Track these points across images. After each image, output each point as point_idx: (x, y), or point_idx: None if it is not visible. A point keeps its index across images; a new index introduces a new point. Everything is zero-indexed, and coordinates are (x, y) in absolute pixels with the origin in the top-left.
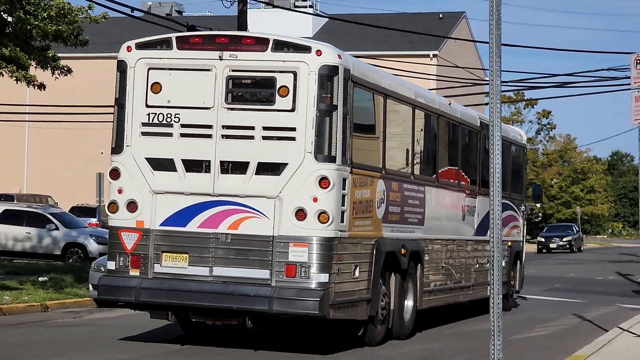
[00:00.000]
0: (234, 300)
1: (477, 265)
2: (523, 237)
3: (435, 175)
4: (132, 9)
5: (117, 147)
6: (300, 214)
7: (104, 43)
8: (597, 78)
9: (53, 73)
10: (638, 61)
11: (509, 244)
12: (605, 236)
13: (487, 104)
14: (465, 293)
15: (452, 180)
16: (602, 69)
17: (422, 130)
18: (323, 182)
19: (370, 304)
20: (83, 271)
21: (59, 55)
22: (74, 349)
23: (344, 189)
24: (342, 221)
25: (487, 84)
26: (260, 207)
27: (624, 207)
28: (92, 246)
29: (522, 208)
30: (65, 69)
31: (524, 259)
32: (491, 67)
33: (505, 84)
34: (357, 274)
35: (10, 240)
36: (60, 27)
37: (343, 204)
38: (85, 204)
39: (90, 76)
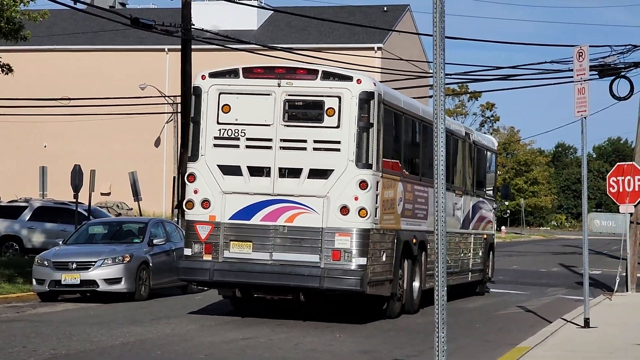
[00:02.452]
0: (291, 279)
1: (462, 254)
2: (494, 231)
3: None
4: (75, 0)
5: (193, 156)
6: (344, 210)
7: (46, 36)
8: (540, 70)
9: None
10: (580, 54)
11: (485, 236)
12: (549, 228)
13: (431, 96)
14: (455, 277)
15: (447, 183)
16: (546, 62)
17: (425, 140)
18: (362, 184)
19: (392, 284)
20: (24, 265)
21: None
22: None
23: (377, 190)
24: (375, 215)
25: (432, 76)
26: (311, 204)
27: (567, 199)
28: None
29: (494, 206)
30: (7, 67)
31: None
32: (435, 59)
33: (449, 76)
34: (384, 258)
35: None
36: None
37: (376, 202)
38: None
39: (32, 69)
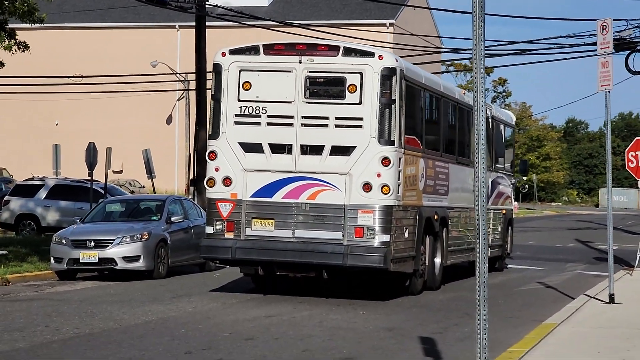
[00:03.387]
0: (314, 256)
1: None
2: (513, 206)
3: (455, 154)
4: None
5: (214, 134)
6: (367, 187)
7: (57, 13)
8: (556, 45)
9: (10, 48)
10: (604, 27)
11: (504, 212)
12: (561, 203)
13: (443, 72)
14: (475, 253)
15: (466, 158)
16: (561, 36)
17: (446, 115)
18: (385, 161)
19: (414, 260)
20: (40, 244)
21: (12, 26)
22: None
23: (399, 166)
24: (398, 192)
25: (444, 52)
26: (333, 181)
27: (579, 175)
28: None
29: (513, 180)
30: (23, 44)
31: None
32: (474, 31)
33: (463, 51)
34: (406, 235)
35: None
36: (15, 5)
37: (399, 179)
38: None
39: (43, 48)
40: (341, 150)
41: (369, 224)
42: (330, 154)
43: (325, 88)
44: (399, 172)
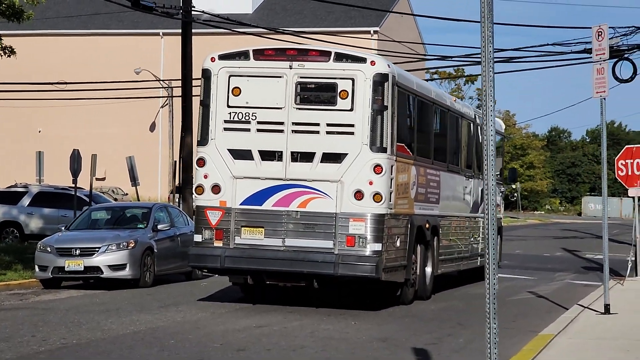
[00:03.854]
0: (305, 265)
1: (472, 239)
2: (502, 215)
3: (446, 162)
4: None
5: (203, 140)
6: (359, 194)
7: (40, 19)
8: (543, 53)
9: None
10: (600, 33)
11: None
12: (543, 212)
13: (428, 80)
14: (465, 262)
15: (456, 166)
16: (548, 44)
17: (437, 122)
18: (377, 168)
19: (406, 270)
20: (23, 251)
21: None
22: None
23: (391, 174)
24: (390, 200)
25: (429, 59)
26: (324, 189)
27: (562, 183)
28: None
29: (502, 189)
30: (9, 50)
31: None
32: (483, 33)
33: (451, 59)
34: (398, 244)
35: None
36: (1, 8)
37: (391, 186)
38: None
39: (26, 54)
40: (332, 158)
41: (360, 233)
42: (321, 161)
43: (316, 94)
44: (391, 179)
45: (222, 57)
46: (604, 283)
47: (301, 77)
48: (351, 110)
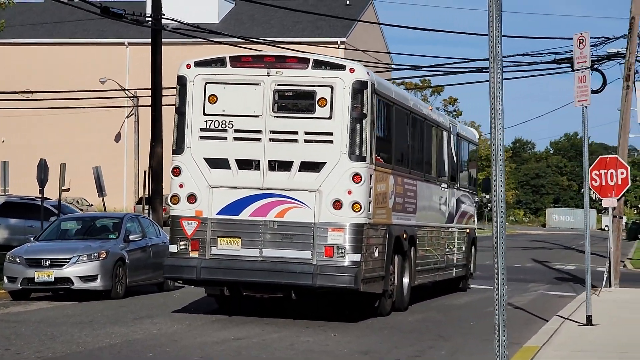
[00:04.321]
0: (282, 276)
1: (448, 249)
2: (476, 225)
3: (422, 171)
4: None
5: (178, 149)
6: (337, 204)
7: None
8: (513, 63)
9: None
10: (581, 41)
11: (467, 231)
12: (508, 223)
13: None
14: (441, 273)
15: (432, 175)
16: (517, 54)
17: (414, 131)
18: (356, 177)
19: (384, 280)
20: None
21: None
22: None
23: (370, 183)
24: (369, 210)
25: (399, 69)
26: (302, 198)
27: (526, 195)
28: None
29: (476, 199)
30: None
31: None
32: (491, 33)
33: (421, 69)
34: (376, 254)
35: None
36: None
37: (370, 196)
38: None
39: None
40: (311, 166)
41: (339, 243)
42: (299, 170)
43: (294, 102)
44: (370, 189)
45: (198, 63)
46: (586, 294)
47: (279, 85)
48: (330, 118)
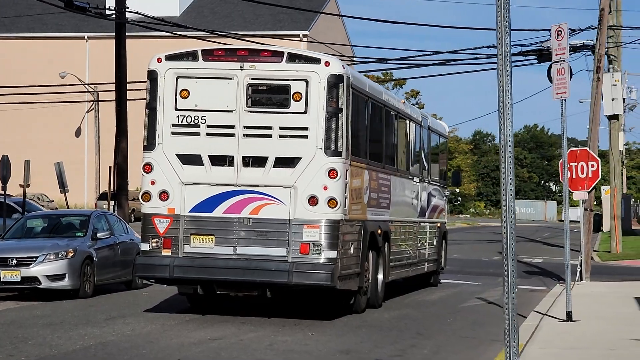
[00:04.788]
0: (257, 274)
1: (420, 244)
2: (446, 219)
3: (395, 165)
4: None
5: (149, 145)
6: (313, 200)
7: None
8: (479, 55)
9: None
10: (559, 32)
11: (438, 225)
12: (469, 215)
13: None
14: (414, 268)
15: (405, 170)
16: (483, 47)
17: (388, 125)
18: (332, 173)
19: (359, 277)
20: None
21: None
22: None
23: (346, 178)
24: (345, 206)
25: (366, 62)
26: (277, 195)
27: (486, 187)
28: None
29: (447, 193)
30: None
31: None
32: (499, 24)
33: (388, 62)
34: (352, 251)
35: None
36: None
37: (345, 192)
38: None
39: None
40: (285, 162)
41: (315, 240)
42: (274, 166)
43: (269, 96)
44: (346, 184)
45: (169, 57)
46: (566, 290)
47: (253, 79)
48: (305, 112)
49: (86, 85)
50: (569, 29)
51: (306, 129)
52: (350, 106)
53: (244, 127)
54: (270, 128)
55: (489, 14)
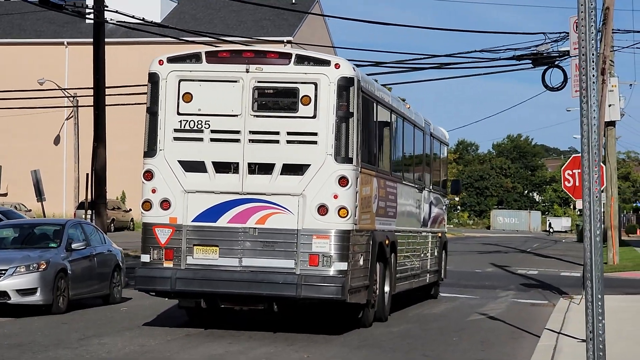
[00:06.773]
0: (264, 287)
1: (422, 255)
2: (446, 228)
3: (401, 172)
4: None
5: (150, 151)
6: (322, 209)
7: None
8: (472, 59)
9: None
10: (578, 24)
11: (439, 235)
12: (452, 226)
13: None
14: (417, 280)
15: (410, 177)
16: (475, 50)
17: (395, 131)
18: (342, 180)
19: (368, 290)
20: None
21: None
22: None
23: (356, 186)
24: (355, 215)
25: (362, 65)
26: (285, 203)
27: (470, 197)
28: None
29: (446, 201)
30: None
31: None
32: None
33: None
34: (361, 262)
35: None
36: None
37: (356, 200)
38: None
39: None
40: (293, 169)
41: (324, 251)
42: (281, 173)
43: (276, 100)
44: (357, 192)
45: (171, 59)
46: (585, 306)
47: (259, 82)
48: (314, 117)
49: (65, 91)
50: (565, 32)
51: (315, 134)
52: (361, 110)
53: (250, 132)
54: (277, 133)
55: (483, 15)
